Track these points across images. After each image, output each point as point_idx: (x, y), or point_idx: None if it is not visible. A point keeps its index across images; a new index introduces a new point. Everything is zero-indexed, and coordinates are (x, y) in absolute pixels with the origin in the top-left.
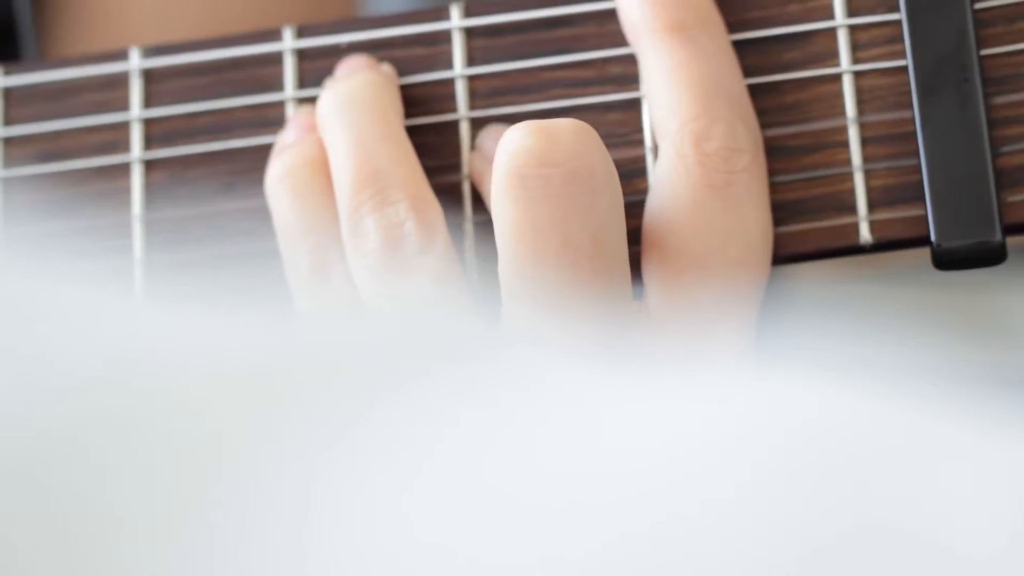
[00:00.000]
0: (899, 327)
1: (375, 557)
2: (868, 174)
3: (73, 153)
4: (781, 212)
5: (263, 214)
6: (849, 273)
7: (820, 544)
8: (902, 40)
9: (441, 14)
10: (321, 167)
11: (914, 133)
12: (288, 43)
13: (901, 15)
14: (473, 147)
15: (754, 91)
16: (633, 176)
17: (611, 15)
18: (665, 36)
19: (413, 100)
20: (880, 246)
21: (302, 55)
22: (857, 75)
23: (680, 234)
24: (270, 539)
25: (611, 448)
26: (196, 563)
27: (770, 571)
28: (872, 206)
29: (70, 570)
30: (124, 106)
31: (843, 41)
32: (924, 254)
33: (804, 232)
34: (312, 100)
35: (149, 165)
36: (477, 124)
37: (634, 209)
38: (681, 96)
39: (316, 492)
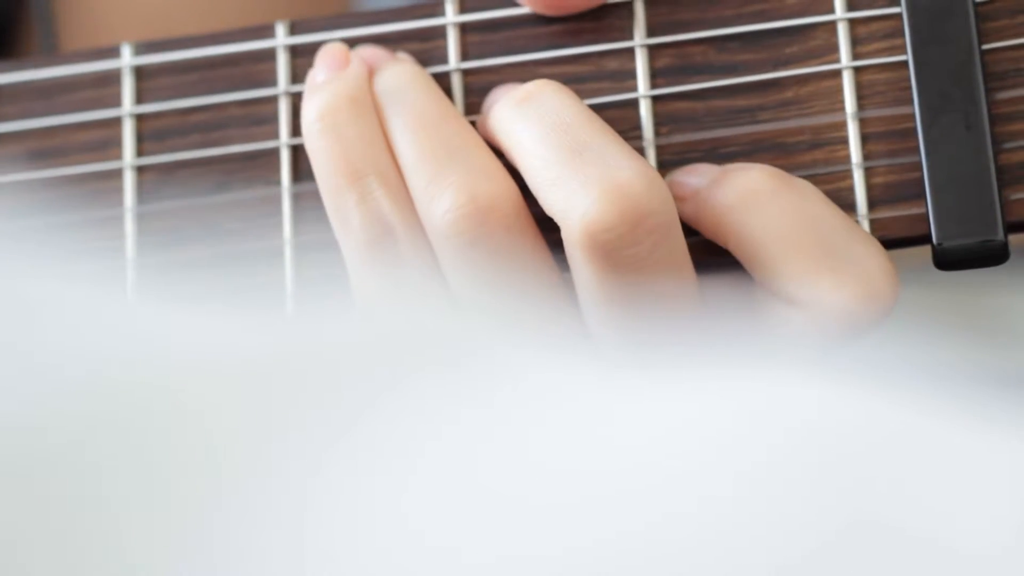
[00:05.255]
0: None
1: (373, 557)
2: (868, 171)
3: (65, 150)
4: None
5: (256, 211)
6: None
7: (819, 542)
8: (903, 34)
9: (436, 9)
10: (363, 106)
11: (915, 129)
12: (281, 39)
13: (901, 8)
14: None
15: (753, 86)
16: None
17: (607, 9)
18: None
19: None
20: (881, 245)
21: (295, 51)
22: (857, 70)
23: None
24: (268, 538)
25: (607, 446)
26: (194, 562)
27: (768, 570)
28: (872, 204)
29: (68, 569)
30: (116, 103)
31: (843, 35)
32: (924, 253)
33: None
34: None
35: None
36: (472, 120)
37: None
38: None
39: (314, 492)
